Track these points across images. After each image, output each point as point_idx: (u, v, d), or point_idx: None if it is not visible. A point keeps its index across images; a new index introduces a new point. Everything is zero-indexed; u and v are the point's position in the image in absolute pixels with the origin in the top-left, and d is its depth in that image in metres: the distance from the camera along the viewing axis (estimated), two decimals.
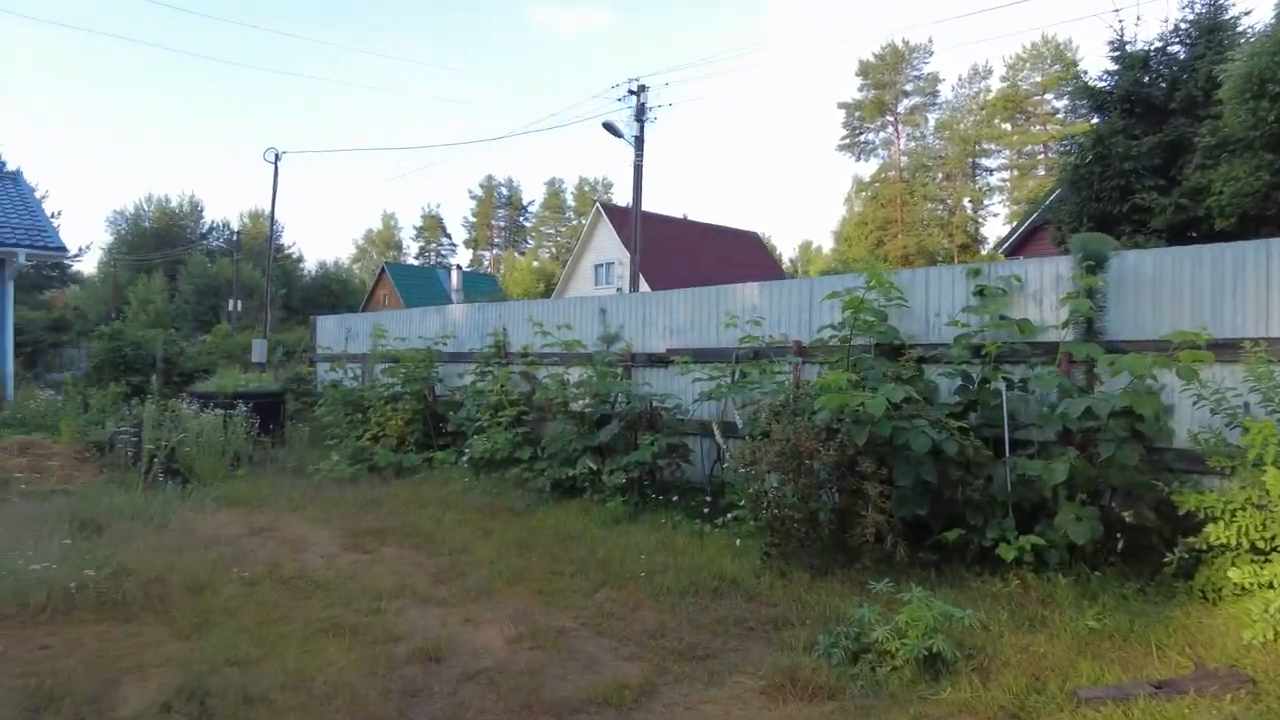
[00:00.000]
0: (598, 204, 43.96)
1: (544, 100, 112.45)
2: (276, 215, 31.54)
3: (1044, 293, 6.27)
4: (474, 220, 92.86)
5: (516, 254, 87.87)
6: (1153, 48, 13.46)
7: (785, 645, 4.29)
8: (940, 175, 66.82)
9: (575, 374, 9.20)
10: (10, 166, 18.31)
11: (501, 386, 9.80)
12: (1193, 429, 5.15)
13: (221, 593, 5.07)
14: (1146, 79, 13.34)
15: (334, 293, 57.41)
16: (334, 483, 8.98)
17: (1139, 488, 5.13)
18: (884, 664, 3.92)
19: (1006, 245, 20.69)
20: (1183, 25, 13.26)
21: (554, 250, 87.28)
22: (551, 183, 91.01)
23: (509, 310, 11.14)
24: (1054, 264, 6.27)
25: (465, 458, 9.56)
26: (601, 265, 39.54)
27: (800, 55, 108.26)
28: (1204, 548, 4.56)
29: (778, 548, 5.53)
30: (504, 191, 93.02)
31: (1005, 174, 64.89)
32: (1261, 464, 4.35)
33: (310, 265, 67.92)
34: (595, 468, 7.91)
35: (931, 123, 68.43)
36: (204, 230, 69.43)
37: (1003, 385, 5.89)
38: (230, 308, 41.45)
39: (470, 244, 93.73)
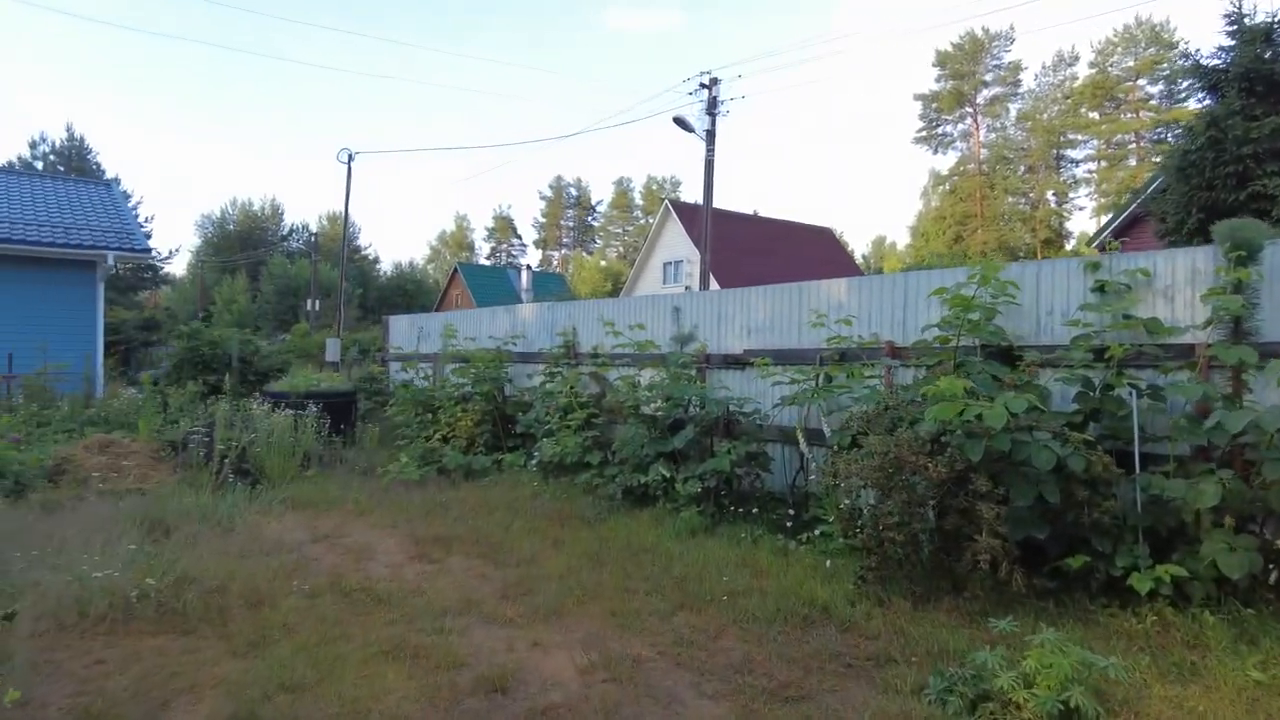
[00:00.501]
0: (666, 201, 43.39)
1: (615, 99, 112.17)
2: (352, 217, 32.17)
3: (1175, 288, 5.54)
4: (543, 220, 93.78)
5: (585, 254, 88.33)
6: (1276, 20, 12.27)
7: (890, 687, 3.79)
8: (1022, 168, 64.09)
9: (647, 376, 8.81)
10: (110, 174, 19.03)
11: (571, 388, 9.53)
12: None
13: (281, 606, 4.85)
14: (1268, 54, 12.17)
15: (409, 293, 58.41)
16: (403, 485, 8.81)
17: None
18: (1008, 716, 3.39)
19: (1099, 240, 19.37)
20: None
21: (622, 249, 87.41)
22: (620, 182, 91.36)
23: (579, 309, 10.81)
24: (1189, 255, 5.54)
25: (534, 461, 9.30)
26: (670, 263, 39.04)
27: (876, 46, 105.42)
28: None
29: (875, 571, 5.01)
30: (573, 192, 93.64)
31: (1092, 165, 61.68)
32: None
33: (386, 266, 69.78)
34: (669, 475, 7.49)
35: (1013, 113, 65.76)
36: (284, 232, 72.04)
37: (1130, 393, 5.23)
38: (308, 307, 42.55)
39: (540, 244, 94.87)
